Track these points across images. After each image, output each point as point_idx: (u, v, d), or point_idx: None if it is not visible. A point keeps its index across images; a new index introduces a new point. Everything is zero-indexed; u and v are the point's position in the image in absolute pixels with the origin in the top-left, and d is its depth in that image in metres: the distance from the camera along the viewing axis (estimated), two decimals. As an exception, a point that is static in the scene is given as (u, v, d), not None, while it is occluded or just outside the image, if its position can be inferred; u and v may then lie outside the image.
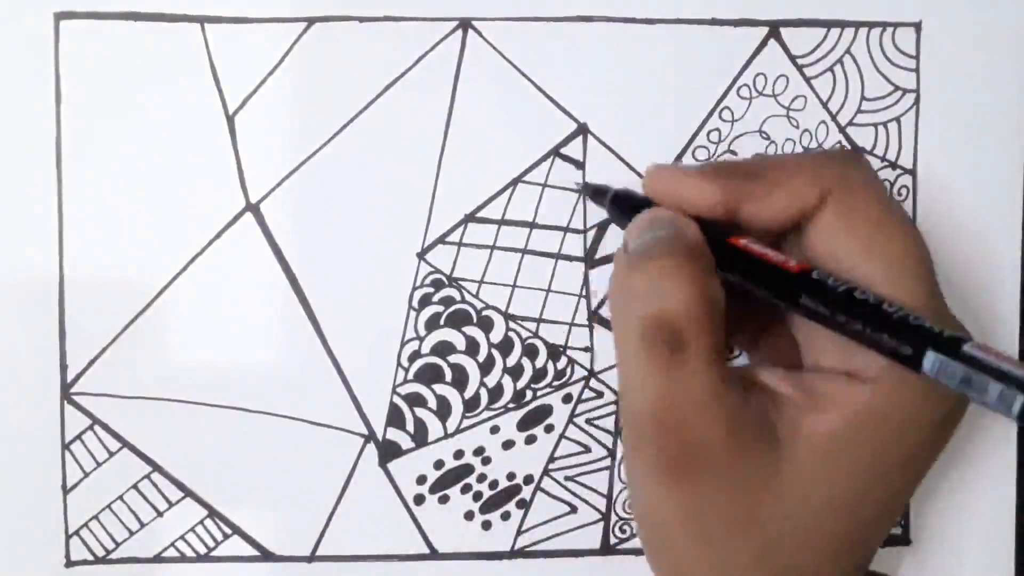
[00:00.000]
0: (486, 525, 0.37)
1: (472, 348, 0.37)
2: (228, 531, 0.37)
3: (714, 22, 0.37)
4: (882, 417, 0.27)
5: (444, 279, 0.37)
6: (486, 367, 0.37)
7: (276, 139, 0.36)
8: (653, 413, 0.26)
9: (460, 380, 0.37)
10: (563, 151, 0.37)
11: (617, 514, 0.38)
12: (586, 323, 0.37)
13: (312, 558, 0.37)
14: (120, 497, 0.36)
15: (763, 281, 0.27)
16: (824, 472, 0.27)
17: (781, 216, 0.28)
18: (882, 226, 0.27)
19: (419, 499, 0.37)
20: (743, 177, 0.28)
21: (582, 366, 0.37)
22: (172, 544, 0.37)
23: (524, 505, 0.37)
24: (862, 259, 0.27)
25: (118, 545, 0.36)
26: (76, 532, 0.36)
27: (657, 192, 0.29)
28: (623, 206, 0.30)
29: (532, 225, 0.37)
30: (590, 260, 0.37)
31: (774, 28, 0.37)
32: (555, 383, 0.37)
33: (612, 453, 0.38)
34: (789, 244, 0.29)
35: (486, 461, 0.37)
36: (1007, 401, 0.24)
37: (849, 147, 0.37)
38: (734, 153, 0.37)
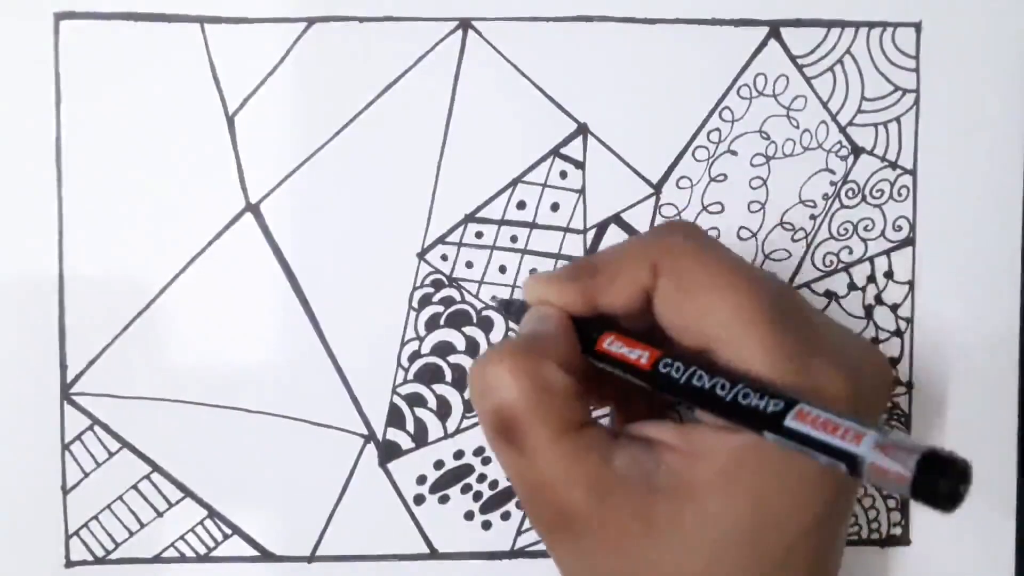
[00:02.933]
0: (486, 525, 0.37)
1: (472, 348, 0.37)
2: (228, 531, 0.37)
3: (714, 22, 0.37)
4: (757, 464, 0.27)
5: (444, 279, 0.37)
6: (486, 367, 0.37)
7: (276, 139, 0.36)
8: (519, 489, 0.29)
9: (460, 380, 0.37)
10: (563, 151, 0.37)
11: (617, 514, 0.38)
12: (586, 323, 0.37)
13: (312, 558, 0.37)
14: (120, 497, 0.36)
15: (629, 373, 0.29)
16: (705, 518, 0.27)
17: (628, 301, 0.29)
18: (709, 287, 0.28)
19: (419, 499, 0.37)
20: (590, 275, 0.30)
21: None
22: (172, 544, 0.37)
23: (524, 505, 0.37)
24: (700, 322, 0.28)
25: (118, 545, 0.36)
26: (76, 532, 0.36)
27: (534, 301, 0.31)
28: (518, 312, 0.33)
29: (532, 225, 0.37)
30: (590, 260, 0.37)
31: (774, 28, 0.37)
32: (555, 383, 0.37)
33: (612, 453, 0.38)
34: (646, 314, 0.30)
35: (486, 461, 0.37)
36: (834, 465, 0.25)
37: (851, 149, 0.37)
38: (734, 153, 0.37)
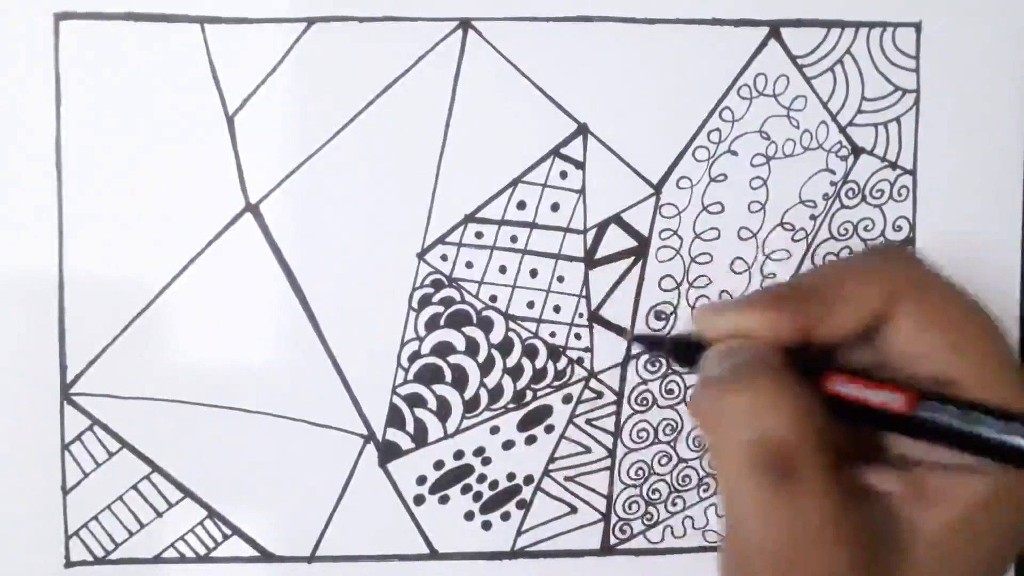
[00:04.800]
0: (486, 525, 0.37)
1: (472, 348, 0.37)
2: (228, 531, 0.37)
3: (714, 22, 0.37)
4: (1004, 506, 0.26)
5: (444, 279, 0.37)
6: (486, 367, 0.37)
7: (276, 139, 0.36)
8: (765, 549, 0.24)
9: (460, 380, 0.37)
10: (563, 151, 0.37)
11: (617, 514, 0.38)
12: (586, 323, 0.37)
13: (312, 558, 0.37)
14: (120, 498, 0.36)
15: (865, 419, 0.26)
16: (944, 567, 0.25)
17: (849, 330, 0.26)
18: (965, 325, 0.27)
19: (419, 499, 0.37)
20: (802, 300, 0.26)
21: (582, 366, 0.37)
22: (172, 545, 0.37)
23: (524, 505, 0.37)
24: (950, 359, 0.26)
25: (118, 546, 0.36)
26: (76, 533, 0.36)
27: (714, 332, 0.26)
28: (684, 351, 0.28)
29: (532, 225, 0.37)
30: (590, 260, 0.37)
31: (774, 28, 0.37)
32: (555, 383, 0.37)
33: (612, 453, 0.38)
34: (858, 344, 0.28)
35: (486, 461, 0.37)
36: None
37: (851, 149, 0.37)
38: (734, 153, 0.37)
